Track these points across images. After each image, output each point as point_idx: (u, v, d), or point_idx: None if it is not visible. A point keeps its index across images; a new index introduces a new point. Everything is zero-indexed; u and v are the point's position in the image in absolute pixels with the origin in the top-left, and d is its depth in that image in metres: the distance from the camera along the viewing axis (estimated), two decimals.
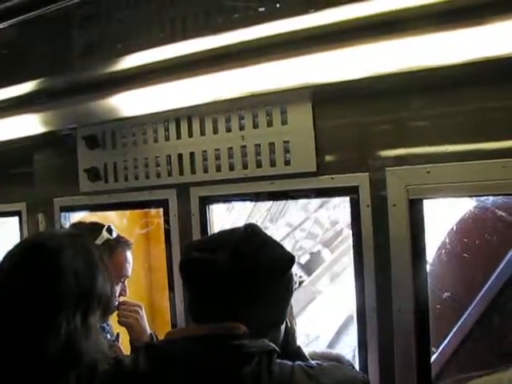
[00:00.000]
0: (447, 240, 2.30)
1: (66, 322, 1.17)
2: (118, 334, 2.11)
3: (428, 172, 1.71)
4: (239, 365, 1.24)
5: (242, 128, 2.09)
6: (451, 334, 2.19)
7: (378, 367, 1.84)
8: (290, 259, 1.37)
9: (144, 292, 3.28)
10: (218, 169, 2.16)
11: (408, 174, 1.75)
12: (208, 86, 1.94)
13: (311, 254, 4.48)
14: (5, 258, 1.27)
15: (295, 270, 3.95)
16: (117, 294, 1.98)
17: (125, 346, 2.05)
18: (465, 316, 2.17)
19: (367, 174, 1.83)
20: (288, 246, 4.11)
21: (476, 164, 1.64)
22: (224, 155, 2.14)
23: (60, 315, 1.18)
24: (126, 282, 2.05)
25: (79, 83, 2.19)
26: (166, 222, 2.35)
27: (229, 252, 1.30)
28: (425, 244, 1.77)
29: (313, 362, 1.36)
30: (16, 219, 2.97)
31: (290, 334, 1.46)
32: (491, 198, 2.15)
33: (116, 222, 2.94)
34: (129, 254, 2.06)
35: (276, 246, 1.40)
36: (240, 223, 3.01)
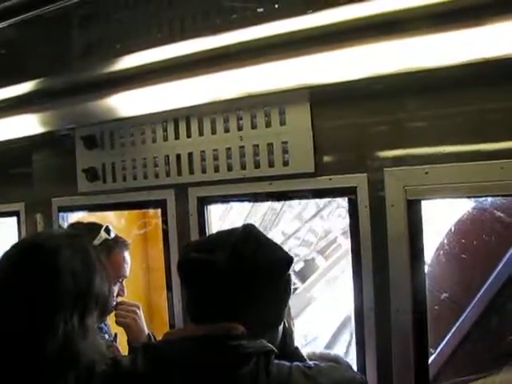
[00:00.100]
0: (445, 241, 2.30)
1: (63, 322, 1.17)
2: (116, 335, 2.11)
3: (426, 173, 1.72)
4: (237, 365, 1.24)
5: (240, 128, 2.09)
6: (449, 334, 2.18)
7: (376, 368, 1.84)
8: (288, 260, 1.38)
9: (142, 292, 3.28)
10: (217, 169, 2.16)
11: (406, 174, 1.76)
12: (206, 86, 1.94)
13: (305, 261, 4.52)
14: (2, 258, 1.27)
15: None
16: (115, 295, 1.98)
17: (123, 347, 2.05)
18: (463, 317, 2.17)
19: (365, 174, 1.83)
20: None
21: (474, 165, 1.64)
22: (222, 156, 2.14)
23: (58, 315, 1.17)
24: (124, 282, 2.05)
25: (78, 83, 2.19)
26: (164, 222, 2.35)
27: (227, 252, 1.30)
28: (423, 245, 1.78)
29: (310, 363, 1.36)
30: (14, 219, 2.97)
31: (288, 334, 1.46)
32: (489, 198, 2.15)
33: (114, 222, 2.93)
34: (127, 255, 2.06)
35: (274, 247, 1.40)
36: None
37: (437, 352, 2.18)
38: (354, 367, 1.83)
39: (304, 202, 4.56)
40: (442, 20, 1.46)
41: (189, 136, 2.23)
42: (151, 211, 3.10)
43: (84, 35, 2.14)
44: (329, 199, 4.22)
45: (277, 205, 4.51)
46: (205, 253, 1.32)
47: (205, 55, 1.84)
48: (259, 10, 1.71)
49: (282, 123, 1.99)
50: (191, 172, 2.23)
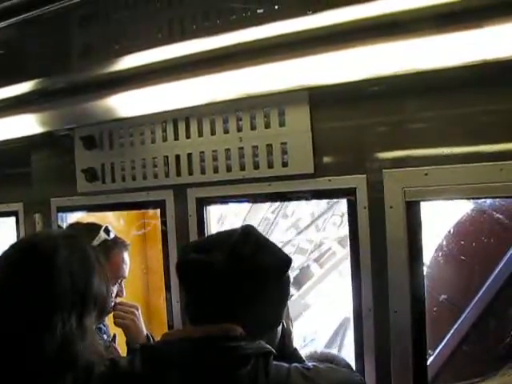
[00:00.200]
0: (444, 242, 2.30)
1: (61, 322, 1.17)
2: (114, 335, 2.11)
3: (425, 174, 1.72)
4: (236, 366, 1.24)
5: (239, 129, 2.09)
6: (448, 336, 2.18)
7: (375, 369, 1.84)
8: (287, 261, 1.38)
9: (141, 293, 3.28)
10: (216, 170, 2.16)
11: (405, 176, 1.76)
12: (206, 87, 1.94)
13: (301, 269, 4.56)
14: (0, 258, 1.27)
15: None
16: (113, 295, 1.98)
17: (121, 347, 2.05)
18: (461, 318, 2.17)
19: (364, 175, 1.83)
20: None
21: (473, 166, 1.64)
22: (221, 156, 2.14)
23: (55, 316, 1.17)
24: (122, 282, 2.05)
25: (77, 83, 2.19)
26: (163, 223, 2.35)
27: (226, 253, 1.30)
28: (422, 246, 1.77)
29: (309, 364, 1.36)
30: (13, 219, 2.96)
31: (287, 335, 1.46)
32: (488, 200, 2.16)
33: (113, 222, 2.93)
34: (126, 255, 2.06)
35: (273, 248, 1.40)
36: None
37: (435, 353, 2.18)
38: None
39: (298, 211, 4.63)
40: (441, 22, 1.46)
41: (188, 137, 2.23)
42: (150, 212, 3.10)
43: (83, 35, 2.14)
44: (323, 209, 4.30)
45: (270, 215, 4.57)
46: (203, 254, 1.32)
47: (204, 56, 1.84)
48: (259, 10, 1.71)
49: (282, 124, 1.99)
50: (190, 173, 2.23)
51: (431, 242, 2.28)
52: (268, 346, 1.29)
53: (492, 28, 1.41)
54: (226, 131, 2.13)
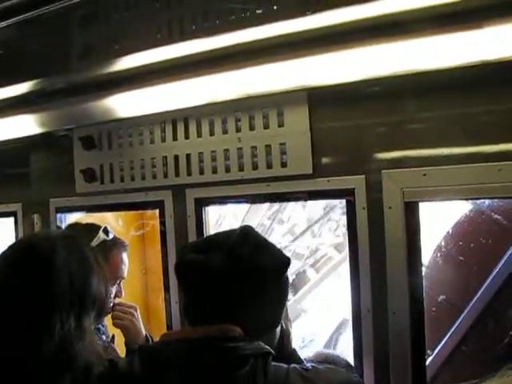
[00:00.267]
0: (443, 243, 2.30)
1: (60, 323, 1.17)
2: (113, 336, 2.11)
3: (424, 175, 1.72)
4: (234, 367, 1.24)
5: (238, 130, 2.09)
6: (447, 336, 2.19)
7: (373, 369, 1.83)
8: (286, 262, 1.37)
9: (139, 293, 3.28)
10: (214, 170, 2.16)
11: (404, 176, 1.76)
12: (205, 87, 1.94)
13: (297, 274, 4.57)
14: None
15: None
16: (112, 296, 1.98)
17: (120, 348, 2.04)
18: (460, 319, 2.17)
19: (363, 176, 1.83)
20: None
21: (472, 167, 1.64)
22: (220, 157, 2.14)
23: (54, 316, 1.17)
24: (121, 283, 2.05)
25: (76, 84, 2.19)
26: (162, 223, 2.35)
27: (224, 254, 1.30)
28: (420, 247, 1.77)
29: (308, 365, 1.36)
30: (11, 220, 2.96)
31: (286, 336, 1.46)
32: (487, 201, 2.16)
33: (112, 223, 2.93)
34: (125, 256, 2.06)
35: (272, 249, 1.40)
36: None
37: (434, 354, 2.18)
38: None
39: (294, 218, 4.64)
40: (439, 22, 1.46)
41: (187, 137, 2.23)
42: (149, 212, 3.10)
43: (83, 35, 2.14)
44: (319, 216, 4.31)
45: (267, 221, 4.58)
46: (202, 254, 1.32)
47: (203, 56, 1.83)
48: (258, 11, 1.71)
49: (281, 125, 1.99)
50: (189, 173, 2.23)
51: (430, 243, 2.28)
52: (267, 346, 1.29)
53: (492, 28, 1.41)
54: (225, 132, 2.13)
